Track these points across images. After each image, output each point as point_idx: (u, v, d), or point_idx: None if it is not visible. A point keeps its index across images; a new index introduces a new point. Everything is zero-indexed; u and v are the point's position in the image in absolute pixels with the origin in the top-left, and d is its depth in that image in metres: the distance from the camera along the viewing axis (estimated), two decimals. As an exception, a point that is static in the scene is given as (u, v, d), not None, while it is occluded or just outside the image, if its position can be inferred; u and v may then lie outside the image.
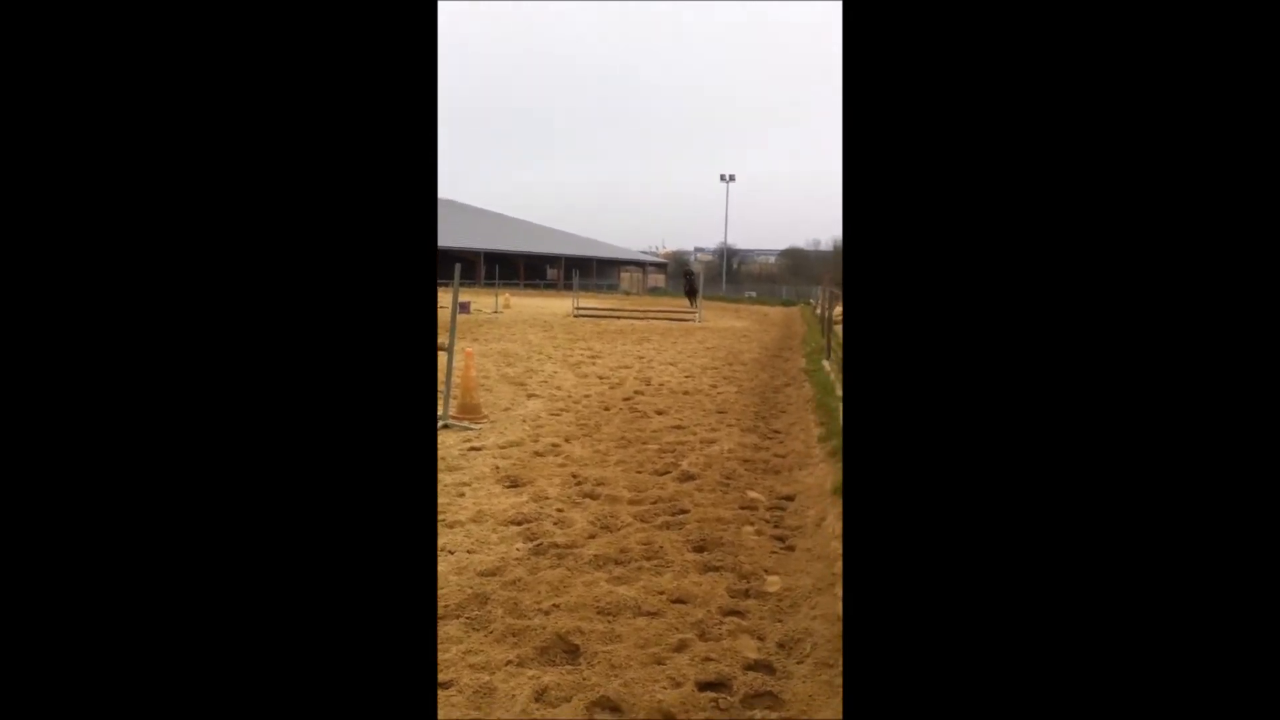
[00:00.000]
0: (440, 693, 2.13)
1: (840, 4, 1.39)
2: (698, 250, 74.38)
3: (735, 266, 59.22)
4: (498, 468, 4.56)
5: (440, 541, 3.29)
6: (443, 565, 3.03)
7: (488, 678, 2.21)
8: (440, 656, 2.31)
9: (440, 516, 3.63)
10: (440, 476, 4.34)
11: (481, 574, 2.95)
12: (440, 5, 1.51)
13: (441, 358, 7.72)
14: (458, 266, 6.08)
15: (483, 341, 12.31)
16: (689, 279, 27.60)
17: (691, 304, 24.90)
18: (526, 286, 48.32)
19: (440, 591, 2.77)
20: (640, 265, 63.09)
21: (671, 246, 78.46)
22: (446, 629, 2.49)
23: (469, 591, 2.77)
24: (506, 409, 6.51)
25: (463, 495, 4.01)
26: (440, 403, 5.94)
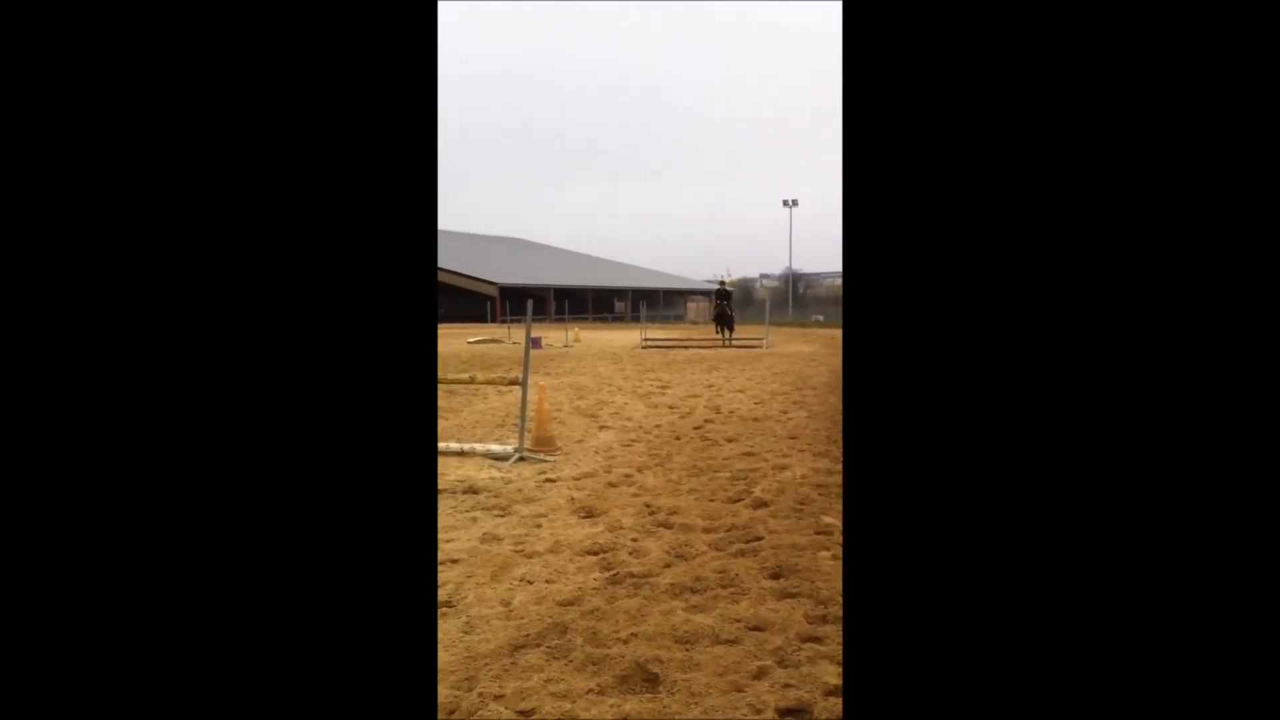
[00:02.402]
0: (524, 720, 2.18)
1: (840, 4, 1.39)
2: (763, 276, 74.09)
3: (801, 291, 58.76)
4: (573, 499, 4.63)
5: (519, 572, 3.36)
6: (523, 595, 3.09)
7: (569, 706, 2.25)
8: (522, 685, 2.36)
9: (519, 547, 3.70)
10: (517, 508, 4.43)
11: (560, 604, 3.00)
12: (481, 38, 1.52)
13: (516, 392, 7.88)
14: (530, 303, 6.22)
15: (554, 375, 12.50)
16: (720, 303, 21.70)
17: (721, 334, 20.98)
18: (595, 320, 48.86)
19: (520, 621, 2.83)
20: (707, 295, 63.11)
21: (737, 274, 78.39)
22: (528, 658, 2.55)
23: (549, 621, 2.82)
24: (579, 441, 6.60)
25: (539, 526, 4.08)
26: (515, 436, 6.06)
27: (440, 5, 1.48)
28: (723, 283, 22.38)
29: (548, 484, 5.05)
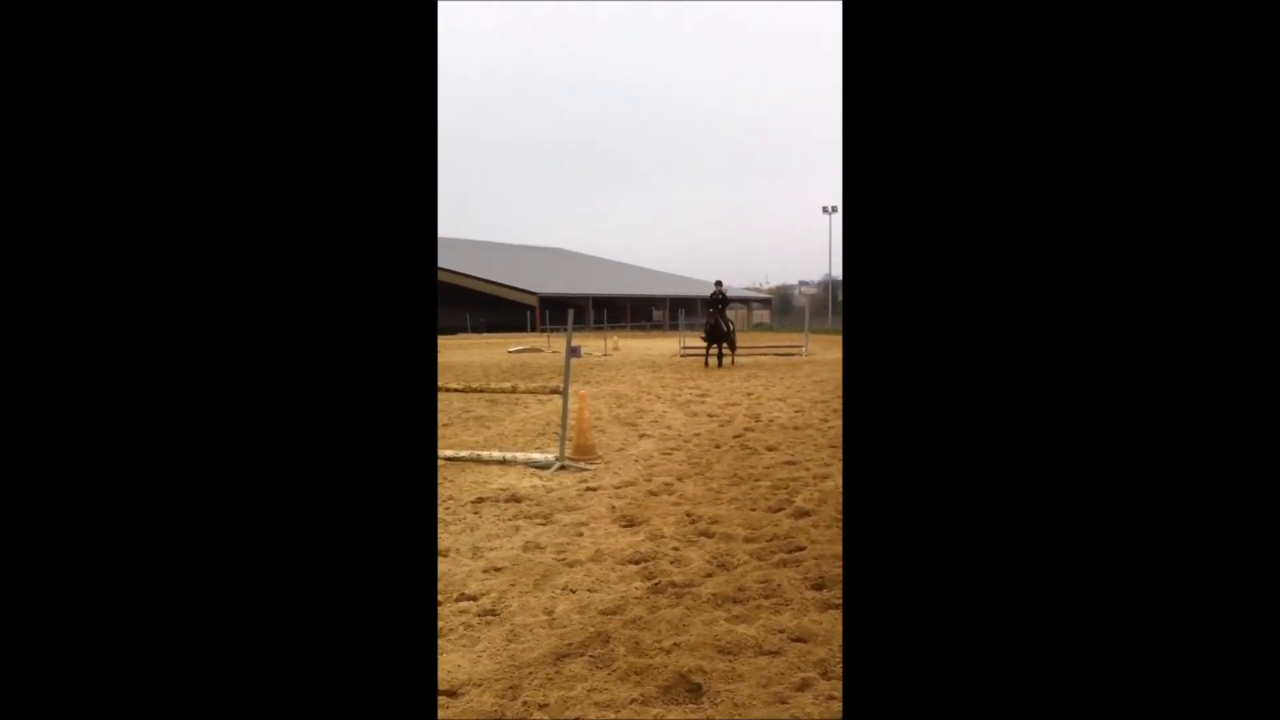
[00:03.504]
0: (568, 729, 2.19)
1: (840, 4, 1.40)
2: (802, 284, 73.54)
3: (841, 297, 58.25)
4: (614, 507, 4.65)
5: (561, 580, 3.38)
6: (565, 604, 3.11)
7: (613, 716, 2.25)
8: (566, 694, 2.37)
9: (561, 556, 3.73)
10: (559, 516, 4.46)
11: (602, 612, 3.01)
12: (515, 45, 1.52)
13: (557, 401, 7.94)
14: (570, 312, 6.27)
15: (594, 384, 12.55)
16: (715, 309, 15.77)
17: (710, 352, 15.90)
18: (634, 328, 48.99)
19: (563, 630, 2.84)
20: (745, 302, 62.92)
21: (775, 281, 77.87)
22: (571, 667, 2.56)
23: (591, 630, 2.83)
24: (619, 449, 6.61)
25: (581, 535, 4.10)
26: (556, 444, 6.10)
27: (440, 5, 1.48)
28: (719, 286, 16.52)
29: (589, 492, 5.07)
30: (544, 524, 4.34)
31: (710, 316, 15.85)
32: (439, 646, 2.73)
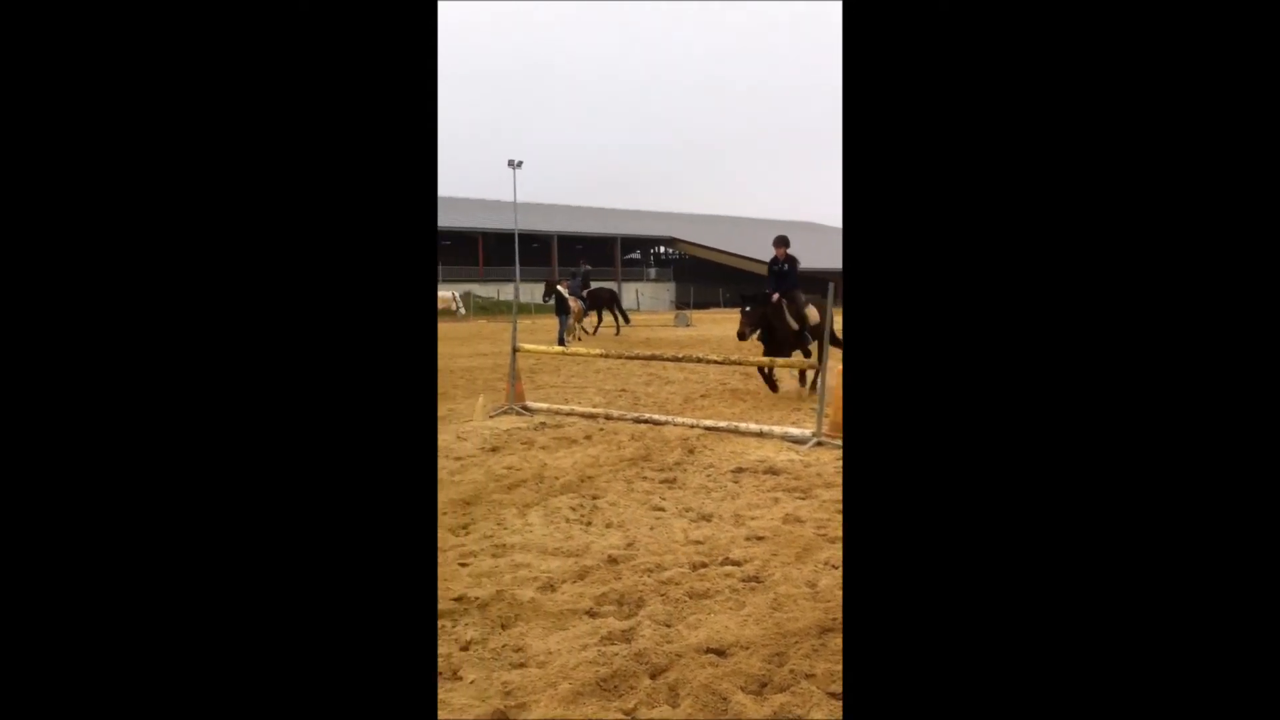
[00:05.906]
0: (835, 702, 2.18)
1: (840, 4, 1.41)
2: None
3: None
4: (875, 487, 4.51)
5: (823, 555, 3.36)
6: (828, 579, 3.09)
7: (882, 695, 2.21)
8: (832, 667, 2.36)
9: (821, 531, 3.70)
10: (818, 492, 4.42)
11: (868, 592, 2.95)
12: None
13: (812, 376, 7.83)
14: (831, 286, 6.15)
15: (848, 360, 12.19)
16: (754, 300, 8.00)
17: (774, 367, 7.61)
18: (889, 303, 46.97)
19: (827, 604, 2.82)
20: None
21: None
22: (837, 641, 2.53)
23: (857, 607, 2.79)
24: (879, 428, 6.38)
25: (841, 513, 4.04)
26: (813, 420, 6.03)
27: (441, 5, 1.49)
28: (781, 247, 8.49)
29: (848, 470, 4.96)
30: (803, 498, 4.32)
31: (748, 317, 7.96)
32: (705, 606, 2.84)
